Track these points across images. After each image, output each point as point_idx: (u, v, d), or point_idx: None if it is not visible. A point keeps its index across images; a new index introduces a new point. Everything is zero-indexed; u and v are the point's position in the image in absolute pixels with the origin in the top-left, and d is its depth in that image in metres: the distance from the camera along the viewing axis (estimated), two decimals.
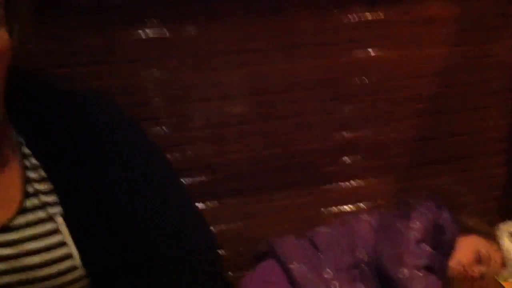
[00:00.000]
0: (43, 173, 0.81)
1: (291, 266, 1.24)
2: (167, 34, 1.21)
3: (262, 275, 1.27)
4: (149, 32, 1.20)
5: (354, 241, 1.31)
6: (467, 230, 1.40)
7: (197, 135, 1.32)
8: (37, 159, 0.81)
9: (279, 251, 1.28)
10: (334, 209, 1.48)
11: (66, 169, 0.83)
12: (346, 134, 1.39)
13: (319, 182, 1.44)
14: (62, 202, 0.80)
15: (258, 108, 1.33)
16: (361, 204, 1.50)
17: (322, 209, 1.47)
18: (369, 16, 1.31)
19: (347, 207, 1.49)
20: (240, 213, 1.41)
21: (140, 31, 1.20)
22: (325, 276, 1.24)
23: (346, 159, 1.43)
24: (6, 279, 0.75)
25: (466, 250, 1.35)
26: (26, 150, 0.81)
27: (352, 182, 1.47)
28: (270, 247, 1.32)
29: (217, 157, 1.34)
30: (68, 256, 0.79)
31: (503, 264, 1.36)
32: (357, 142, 1.41)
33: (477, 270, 1.32)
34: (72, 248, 0.80)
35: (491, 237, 1.43)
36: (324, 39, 1.30)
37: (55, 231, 0.79)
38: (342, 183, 1.47)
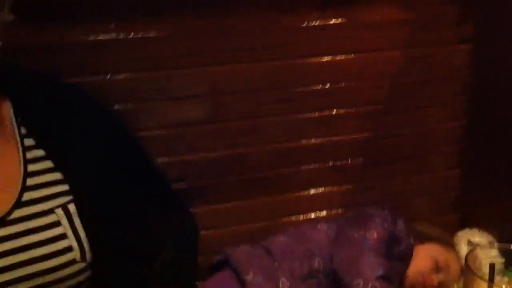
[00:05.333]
0: (49, 164, 0.80)
1: (247, 277, 1.21)
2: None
3: (217, 286, 1.25)
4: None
5: (311, 250, 1.29)
6: (424, 238, 1.39)
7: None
8: (43, 148, 0.80)
9: (234, 262, 1.25)
10: (291, 218, 1.46)
11: (76, 158, 0.82)
12: (300, 141, 1.38)
13: (275, 191, 1.41)
14: (72, 192, 0.79)
15: (210, 110, 1.31)
16: (316, 213, 1.48)
17: (278, 218, 1.45)
18: (320, 21, 1.31)
19: (303, 216, 1.47)
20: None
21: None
22: (281, 286, 1.22)
23: (301, 166, 1.41)
24: (6, 276, 0.73)
25: (424, 258, 1.34)
26: (30, 142, 0.80)
27: (309, 190, 1.45)
28: (225, 257, 1.29)
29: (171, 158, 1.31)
30: (69, 249, 0.78)
31: (461, 272, 1.36)
32: (311, 148, 1.40)
33: (435, 278, 1.32)
34: (72, 241, 0.78)
35: (449, 245, 1.42)
36: (274, 43, 1.29)
37: (56, 224, 0.78)
38: (299, 192, 1.45)
